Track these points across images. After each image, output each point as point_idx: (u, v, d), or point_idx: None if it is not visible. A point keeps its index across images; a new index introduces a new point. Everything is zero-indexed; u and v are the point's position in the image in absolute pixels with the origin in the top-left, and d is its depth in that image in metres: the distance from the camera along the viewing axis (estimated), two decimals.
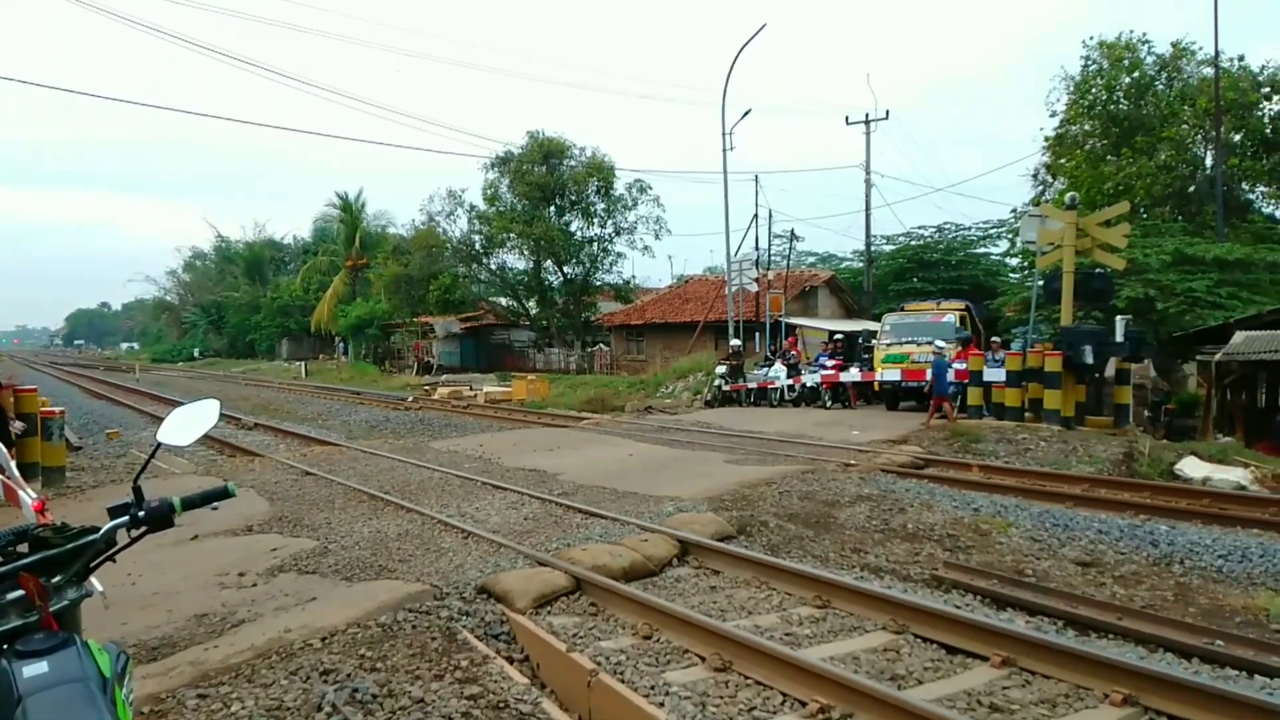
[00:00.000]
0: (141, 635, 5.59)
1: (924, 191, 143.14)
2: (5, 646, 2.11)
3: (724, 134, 30.31)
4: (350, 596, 6.27)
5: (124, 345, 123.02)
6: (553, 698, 4.96)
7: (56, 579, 2.28)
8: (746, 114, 39.55)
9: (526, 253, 45.17)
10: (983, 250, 43.96)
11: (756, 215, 35.33)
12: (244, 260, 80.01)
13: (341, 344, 58.61)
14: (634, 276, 51.95)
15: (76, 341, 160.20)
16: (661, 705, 4.63)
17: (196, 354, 78.04)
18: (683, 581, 7.07)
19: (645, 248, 46.73)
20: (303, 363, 56.48)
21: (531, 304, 47.98)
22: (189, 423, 2.71)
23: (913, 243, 44.77)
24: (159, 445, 2.69)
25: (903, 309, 24.25)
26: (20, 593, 2.18)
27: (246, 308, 73.80)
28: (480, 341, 49.58)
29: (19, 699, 1.93)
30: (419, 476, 11.79)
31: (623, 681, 4.90)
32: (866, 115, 38.15)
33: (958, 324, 21.79)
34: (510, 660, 5.37)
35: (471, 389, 32.15)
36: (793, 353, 24.50)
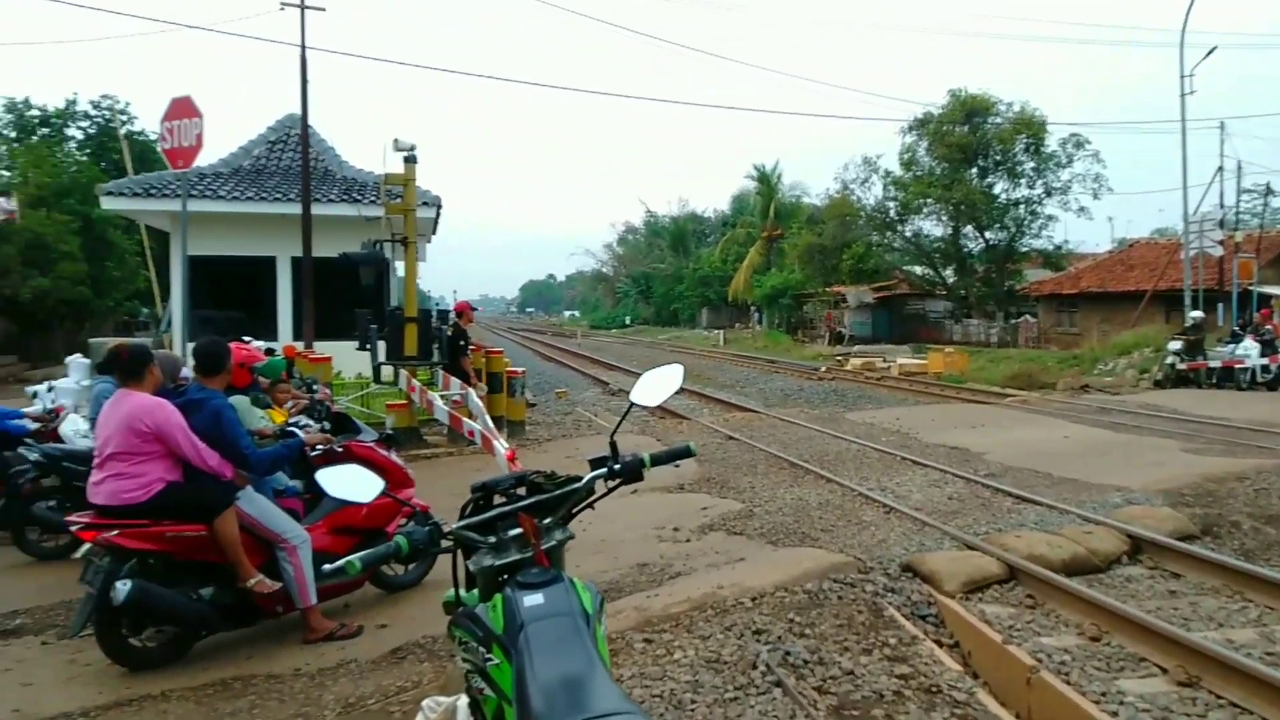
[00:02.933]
0: (594, 578, 6.20)
1: None
2: (506, 577, 2.39)
3: (1182, 76, 26.45)
4: (776, 560, 6.45)
5: (566, 313, 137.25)
6: (986, 689, 4.71)
7: (547, 520, 2.53)
8: (1211, 52, 34.10)
9: (944, 218, 43.10)
10: None
11: (1221, 168, 30.45)
12: (669, 234, 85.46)
13: (756, 313, 60.55)
14: (1066, 241, 47.37)
15: (528, 309, 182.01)
16: (1115, 715, 4.20)
17: (628, 321, 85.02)
18: (1134, 582, 6.35)
19: (1080, 209, 42.18)
20: (720, 331, 59.24)
21: (948, 272, 45.79)
22: (657, 385, 2.86)
23: None
24: (631, 405, 2.87)
25: None
26: (519, 530, 2.44)
27: (671, 278, 78.84)
28: (893, 312, 48.49)
29: (521, 624, 2.16)
30: (836, 447, 11.82)
31: (1068, 683, 4.52)
32: None
33: None
34: (939, 644, 5.18)
35: (884, 360, 31.55)
36: (1268, 327, 20.89)
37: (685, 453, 2.96)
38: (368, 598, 6.16)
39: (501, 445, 9.32)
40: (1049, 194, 41.21)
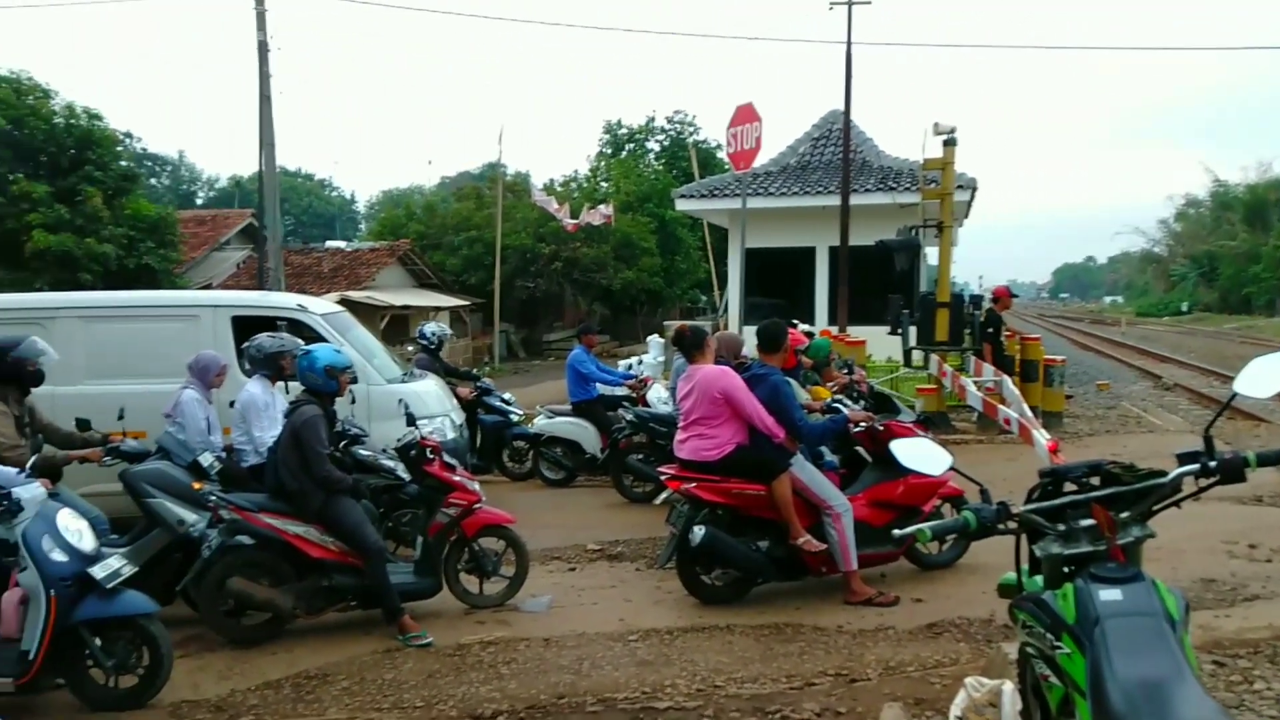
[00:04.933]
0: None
1: None
2: (1073, 568, 2.39)
3: None
4: None
5: (1106, 299, 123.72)
6: None
7: (1124, 514, 2.44)
8: None
9: None
10: None
11: None
12: (1242, 205, 72.71)
13: None
14: None
15: (1061, 295, 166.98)
16: None
17: (1184, 308, 74.41)
18: None
19: None
20: None
21: None
22: (1272, 372, 2.57)
23: None
24: (1234, 395, 2.63)
25: None
26: (1091, 521, 2.40)
27: (1243, 257, 67.15)
28: None
29: (1096, 618, 2.16)
30: None
31: None
32: None
33: None
34: None
35: None
36: None
37: None
38: (902, 572, 6.47)
39: (1042, 435, 9.00)
40: None
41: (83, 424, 5.98)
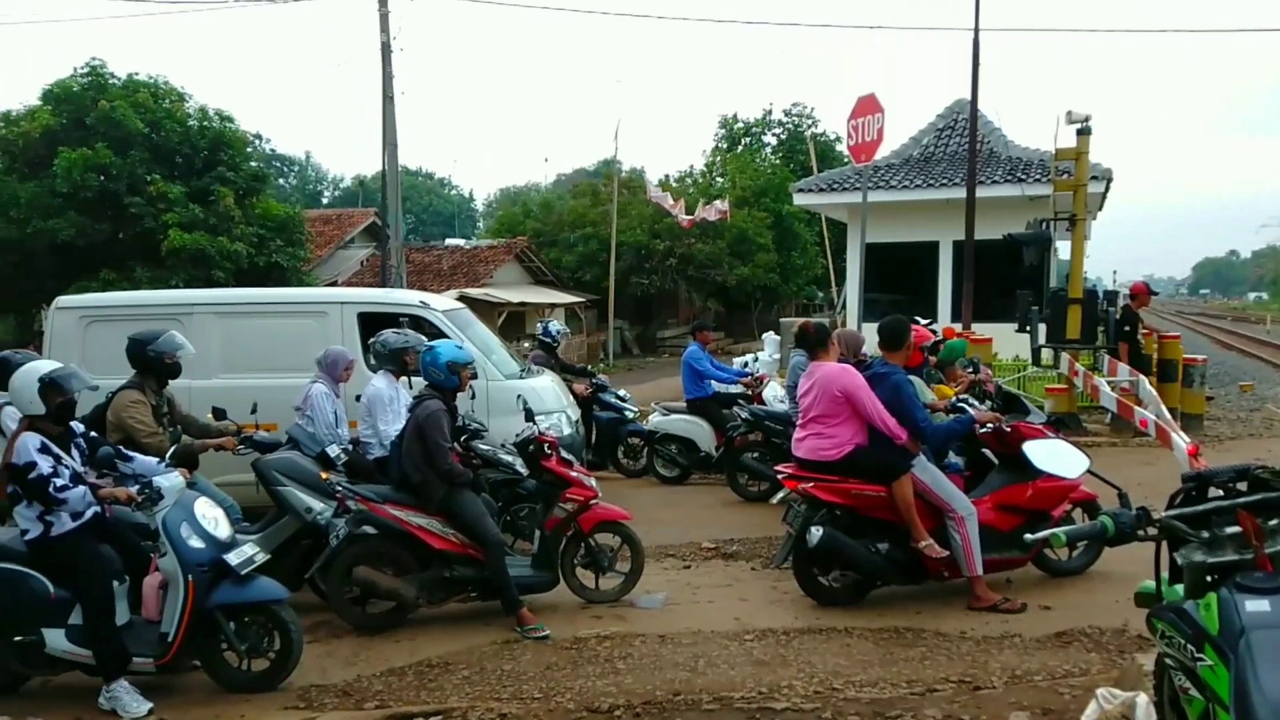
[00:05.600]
0: None
1: None
2: (1217, 577, 2.26)
3: None
4: None
5: (1251, 295, 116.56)
6: None
7: (1272, 522, 2.33)
8: None
9: None
10: None
11: None
12: None
13: None
14: None
15: (1201, 291, 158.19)
16: None
17: None
18: None
19: None
20: None
21: None
22: None
23: None
24: None
25: None
26: (1237, 529, 2.29)
27: None
28: None
29: (1241, 629, 2.06)
30: None
31: None
32: None
33: None
34: None
35: None
36: None
37: None
38: (1029, 578, 6.22)
39: (1181, 439, 8.51)
40: None
41: (219, 414, 6.28)
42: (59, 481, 4.48)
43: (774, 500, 8.23)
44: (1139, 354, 12.14)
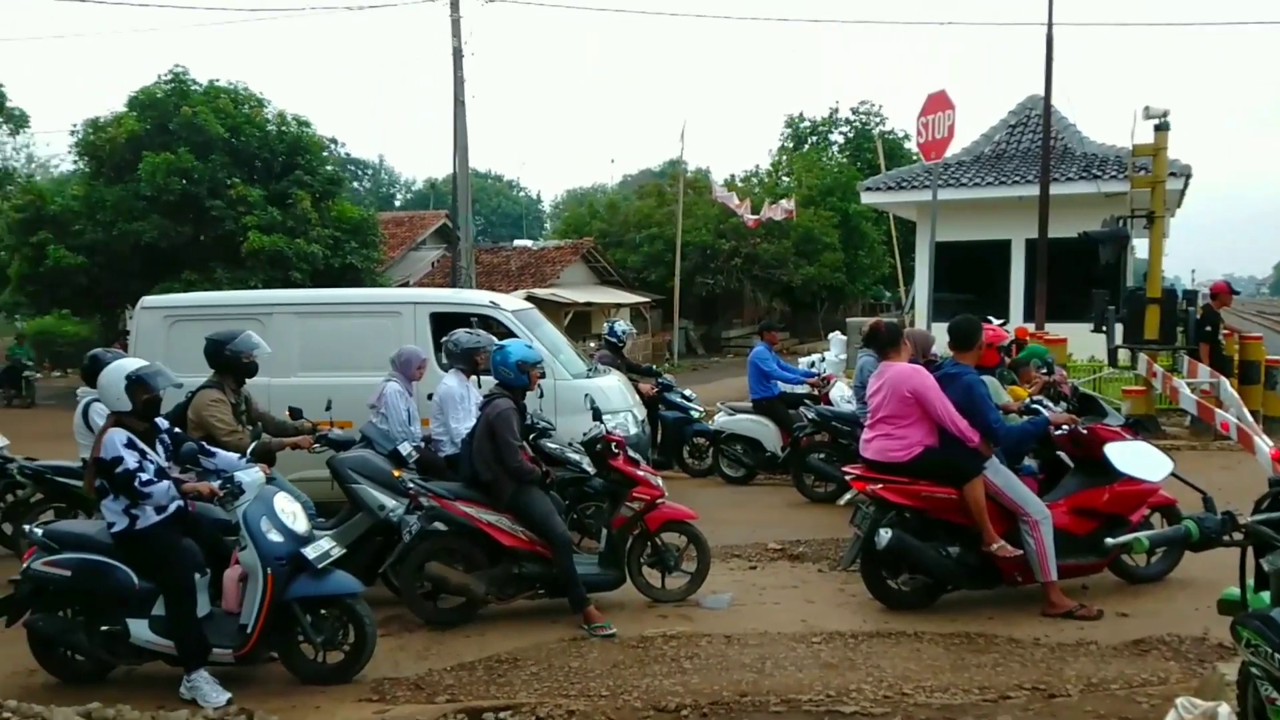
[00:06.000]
0: None
1: None
2: None
3: None
4: None
5: None
6: None
7: None
8: None
9: None
10: None
11: None
12: None
13: None
14: None
15: None
16: None
17: None
18: None
19: None
20: None
21: None
22: None
23: None
24: None
25: None
26: None
27: None
28: None
29: None
30: None
31: None
32: None
33: None
34: None
35: None
36: None
37: None
38: (1106, 584, 6.07)
39: (1265, 442, 8.24)
40: None
41: (295, 413, 6.44)
42: (144, 476, 4.63)
43: (840, 501, 8.12)
44: (1220, 355, 11.83)
